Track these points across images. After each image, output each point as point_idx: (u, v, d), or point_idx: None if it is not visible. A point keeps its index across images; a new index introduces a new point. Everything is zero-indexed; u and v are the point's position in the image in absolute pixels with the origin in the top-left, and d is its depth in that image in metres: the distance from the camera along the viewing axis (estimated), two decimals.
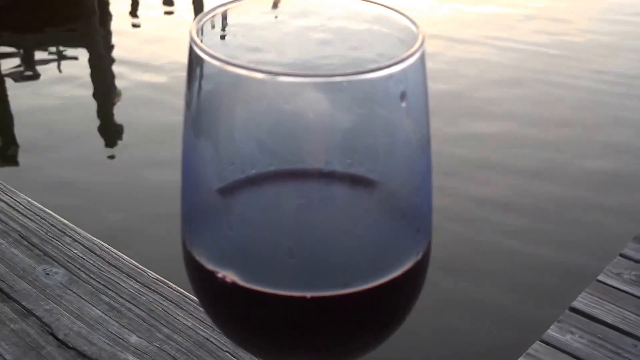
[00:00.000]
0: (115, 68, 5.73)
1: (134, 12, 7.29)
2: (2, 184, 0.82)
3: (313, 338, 0.39)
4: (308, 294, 0.36)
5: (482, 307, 3.16)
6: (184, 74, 0.35)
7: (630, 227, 3.14)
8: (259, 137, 0.36)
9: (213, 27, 0.38)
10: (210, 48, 0.35)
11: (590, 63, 5.83)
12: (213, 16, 0.38)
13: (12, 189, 0.82)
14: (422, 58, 0.36)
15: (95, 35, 6.72)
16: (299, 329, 0.38)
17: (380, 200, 0.38)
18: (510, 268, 3.45)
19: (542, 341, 2.37)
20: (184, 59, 0.35)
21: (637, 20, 7.00)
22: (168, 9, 7.59)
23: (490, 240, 3.63)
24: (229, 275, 0.36)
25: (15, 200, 0.81)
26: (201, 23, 0.37)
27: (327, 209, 0.37)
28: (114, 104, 5.08)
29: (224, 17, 0.38)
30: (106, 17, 7.17)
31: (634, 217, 3.56)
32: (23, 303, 0.67)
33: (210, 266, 0.37)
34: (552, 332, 2.43)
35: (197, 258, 0.38)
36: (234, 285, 0.36)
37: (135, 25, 7.05)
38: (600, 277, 2.71)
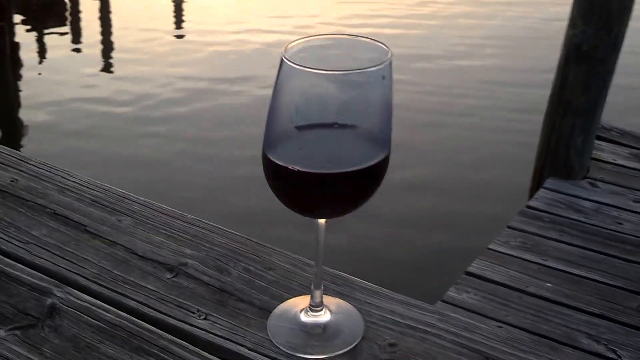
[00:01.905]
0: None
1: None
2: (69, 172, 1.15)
3: (330, 197, 0.76)
4: (328, 171, 0.73)
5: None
6: None
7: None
8: (308, 106, 0.73)
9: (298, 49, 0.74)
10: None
11: None
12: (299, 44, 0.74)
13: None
14: (391, 62, 0.72)
15: None
16: (323, 193, 0.75)
17: (369, 134, 0.75)
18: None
19: (443, 301, 2.77)
20: None
21: None
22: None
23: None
24: (287, 165, 0.73)
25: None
26: (290, 49, 0.73)
27: (339, 138, 0.74)
28: None
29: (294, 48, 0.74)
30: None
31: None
32: (108, 238, 1.01)
33: (276, 161, 0.73)
34: (451, 292, 2.84)
35: (270, 157, 0.74)
36: (286, 169, 0.73)
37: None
38: (490, 246, 3.16)
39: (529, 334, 2.65)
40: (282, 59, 0.70)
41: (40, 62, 7.47)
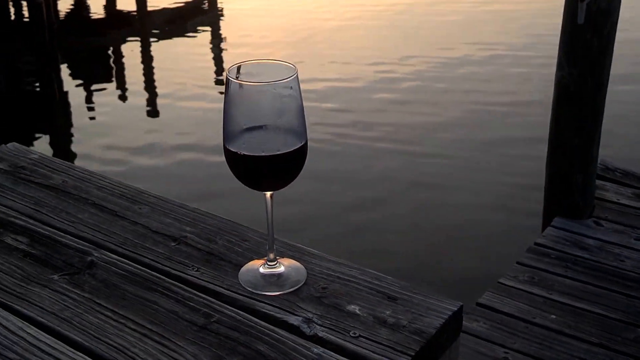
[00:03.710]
0: None
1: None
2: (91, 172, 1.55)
3: (269, 173, 1.14)
4: (264, 154, 1.11)
5: None
6: None
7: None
8: (247, 109, 1.12)
9: (237, 70, 1.13)
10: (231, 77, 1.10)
11: None
12: (237, 67, 1.13)
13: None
14: (297, 75, 1.11)
15: None
16: (262, 169, 1.14)
17: (289, 128, 1.13)
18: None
19: None
20: None
21: None
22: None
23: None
24: (238, 151, 1.11)
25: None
26: (232, 70, 1.12)
27: (273, 134, 1.12)
28: None
29: (238, 69, 1.13)
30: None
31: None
32: (131, 219, 1.39)
33: (231, 148, 1.11)
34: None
35: (228, 146, 1.12)
36: (238, 154, 1.11)
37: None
38: (501, 280, 3.40)
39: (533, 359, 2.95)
40: (227, 78, 1.09)
41: (88, 109, 7.96)
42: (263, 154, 1.10)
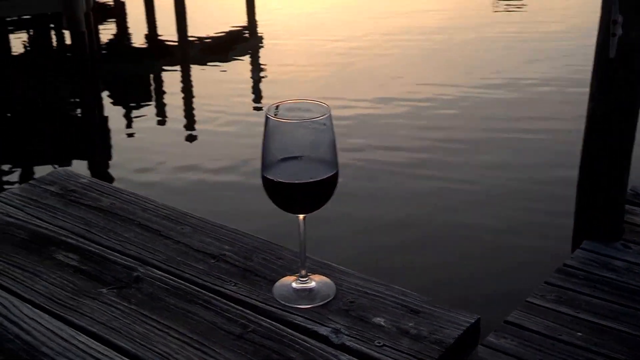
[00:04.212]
0: None
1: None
2: (137, 195, 1.66)
3: (302, 198, 1.24)
4: (297, 182, 1.21)
5: None
6: None
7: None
8: (284, 143, 1.22)
9: (276, 109, 1.23)
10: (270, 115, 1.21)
11: None
12: (275, 106, 1.24)
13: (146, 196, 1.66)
14: (330, 114, 1.21)
15: None
16: (296, 195, 1.24)
17: (322, 159, 1.23)
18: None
19: (482, 344, 3.09)
20: None
21: None
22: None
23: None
24: (274, 178, 1.21)
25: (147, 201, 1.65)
26: (270, 108, 1.23)
27: (307, 164, 1.22)
28: None
29: (277, 107, 1.23)
30: None
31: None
32: (174, 238, 1.50)
33: (268, 176, 1.22)
34: (490, 338, 3.16)
35: (265, 175, 1.22)
36: (275, 181, 1.21)
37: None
38: (529, 299, 3.48)
39: None
40: (266, 116, 1.19)
41: (127, 135, 8.14)
42: (297, 181, 1.21)
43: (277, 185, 1.21)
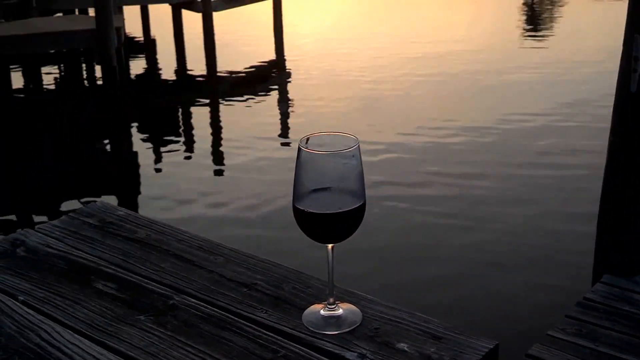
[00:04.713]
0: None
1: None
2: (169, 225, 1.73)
3: (331, 228, 1.31)
4: (327, 212, 1.28)
5: None
6: None
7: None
8: (315, 174, 1.29)
9: (307, 140, 1.30)
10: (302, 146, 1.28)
11: None
12: (307, 138, 1.31)
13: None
14: (359, 146, 1.29)
15: None
16: (325, 225, 1.31)
17: (350, 190, 1.30)
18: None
19: None
20: None
21: None
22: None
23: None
24: (305, 209, 1.28)
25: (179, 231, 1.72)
26: (303, 140, 1.30)
27: (336, 195, 1.29)
28: None
29: (308, 140, 1.31)
30: None
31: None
32: (208, 268, 1.57)
33: (299, 207, 1.29)
34: None
35: (296, 205, 1.29)
36: (305, 211, 1.28)
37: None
38: (549, 332, 3.50)
39: None
40: (299, 147, 1.26)
41: (156, 170, 8.26)
42: (326, 211, 1.27)
43: (307, 215, 1.28)
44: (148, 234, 1.72)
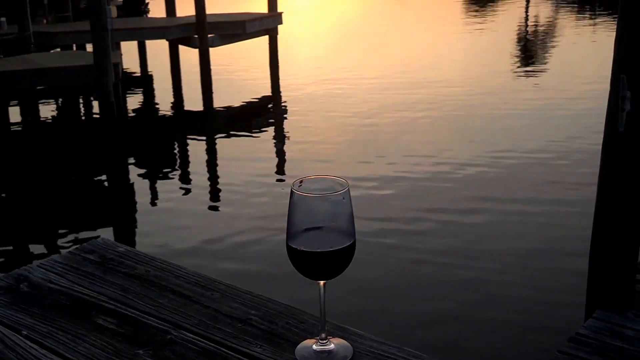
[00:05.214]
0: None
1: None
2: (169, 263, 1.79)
3: (322, 266, 1.37)
4: (318, 250, 1.34)
5: None
6: None
7: None
8: (307, 215, 1.36)
9: (300, 183, 1.37)
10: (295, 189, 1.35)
11: None
12: (300, 181, 1.38)
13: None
14: (349, 189, 1.35)
15: None
16: (317, 262, 1.37)
17: (341, 229, 1.37)
18: None
19: None
20: None
21: None
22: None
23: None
24: (298, 247, 1.35)
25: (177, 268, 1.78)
26: (295, 183, 1.37)
27: (326, 233, 1.36)
28: None
29: (301, 181, 1.37)
30: None
31: None
32: (204, 303, 1.63)
33: (292, 245, 1.35)
34: None
35: (290, 244, 1.36)
36: (297, 249, 1.34)
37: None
38: None
39: None
40: (291, 189, 1.33)
41: (152, 204, 8.32)
42: (318, 250, 1.34)
43: (299, 254, 1.35)
44: (147, 270, 1.78)
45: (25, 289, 1.71)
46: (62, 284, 1.73)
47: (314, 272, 1.40)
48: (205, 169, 9.64)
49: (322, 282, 1.41)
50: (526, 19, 25.34)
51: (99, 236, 5.96)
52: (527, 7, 26.38)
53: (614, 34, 3.68)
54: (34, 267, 1.81)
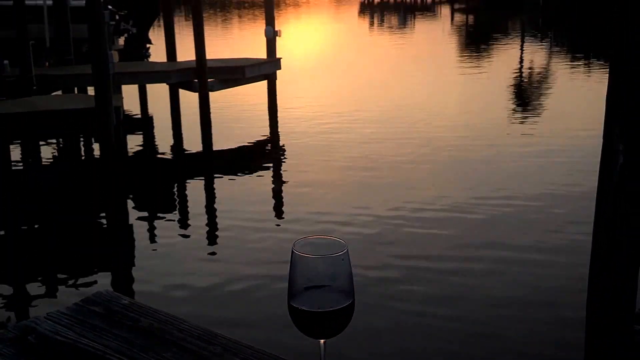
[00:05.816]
0: None
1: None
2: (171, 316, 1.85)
3: (320, 325, 1.44)
4: (318, 310, 1.41)
5: None
6: None
7: None
8: (307, 275, 1.42)
9: (300, 244, 1.44)
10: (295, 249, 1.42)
11: None
12: (300, 241, 1.44)
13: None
14: (347, 251, 1.42)
15: None
16: (316, 321, 1.43)
17: (341, 289, 1.43)
18: None
19: None
20: None
21: None
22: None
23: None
24: (299, 307, 1.41)
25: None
26: (296, 243, 1.44)
27: (326, 293, 1.42)
28: None
29: (302, 242, 1.44)
30: None
31: None
32: (209, 358, 1.69)
33: (293, 304, 1.42)
34: None
35: (292, 303, 1.42)
36: (299, 309, 1.41)
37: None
38: None
39: None
40: (292, 250, 1.40)
41: (152, 249, 8.37)
42: (318, 310, 1.40)
43: (300, 313, 1.41)
44: (151, 323, 1.83)
45: (33, 340, 1.77)
46: (69, 336, 1.78)
47: (314, 331, 1.46)
48: (204, 210, 9.70)
49: (322, 340, 1.47)
50: (521, 62, 25.59)
51: (96, 282, 6.02)
52: (521, 57, 26.67)
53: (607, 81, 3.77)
54: (41, 318, 1.87)
